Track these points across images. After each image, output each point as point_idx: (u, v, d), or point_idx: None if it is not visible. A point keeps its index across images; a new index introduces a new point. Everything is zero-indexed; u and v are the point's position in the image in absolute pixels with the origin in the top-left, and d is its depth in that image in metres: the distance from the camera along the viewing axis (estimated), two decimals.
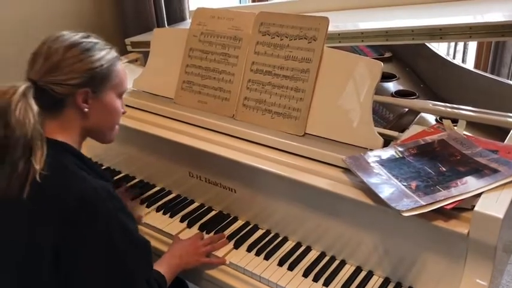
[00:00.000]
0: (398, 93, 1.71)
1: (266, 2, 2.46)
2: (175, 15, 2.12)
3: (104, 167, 1.60)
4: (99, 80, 1.01)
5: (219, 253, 1.21)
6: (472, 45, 2.95)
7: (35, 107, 0.92)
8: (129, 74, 1.68)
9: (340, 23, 1.64)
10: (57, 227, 0.90)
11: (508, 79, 2.68)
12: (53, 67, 0.96)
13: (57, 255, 0.90)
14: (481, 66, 2.82)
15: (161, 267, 1.10)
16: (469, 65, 2.88)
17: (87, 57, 0.99)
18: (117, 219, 0.93)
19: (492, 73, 2.70)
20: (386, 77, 1.81)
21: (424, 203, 0.95)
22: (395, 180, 1.03)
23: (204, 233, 1.28)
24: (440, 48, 1.94)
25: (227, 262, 1.18)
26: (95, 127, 1.05)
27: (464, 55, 3.04)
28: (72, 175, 0.94)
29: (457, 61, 1.95)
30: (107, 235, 0.92)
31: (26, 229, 0.92)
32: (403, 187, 1.01)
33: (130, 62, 1.87)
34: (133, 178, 1.54)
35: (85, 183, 0.93)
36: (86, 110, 1.00)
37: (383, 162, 1.09)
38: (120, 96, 1.08)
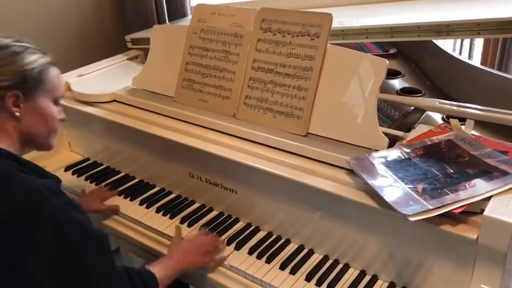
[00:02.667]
0: (404, 91, 1.67)
1: None
2: (177, 11, 2.09)
3: (103, 167, 1.58)
4: (30, 84, 0.99)
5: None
6: (479, 41, 2.90)
7: None
8: (128, 71, 1.68)
9: (343, 19, 1.61)
10: (3, 234, 0.88)
11: None
12: None
13: (9, 262, 0.88)
14: (488, 62, 2.77)
15: (154, 267, 1.07)
16: (476, 60, 2.83)
17: (18, 60, 0.98)
18: (64, 214, 0.92)
19: (499, 69, 2.65)
20: (391, 73, 1.77)
21: (431, 207, 0.92)
22: (401, 182, 1.00)
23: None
24: (446, 43, 1.90)
25: (227, 265, 1.16)
26: (30, 132, 1.03)
27: (470, 51, 2.99)
28: (11, 178, 0.91)
29: (464, 57, 1.90)
30: (56, 230, 0.90)
31: None
32: (409, 190, 0.97)
33: (130, 59, 1.84)
34: (133, 178, 1.52)
35: (26, 184, 0.91)
36: (18, 114, 0.99)
37: (388, 164, 1.06)
38: (55, 102, 1.06)
